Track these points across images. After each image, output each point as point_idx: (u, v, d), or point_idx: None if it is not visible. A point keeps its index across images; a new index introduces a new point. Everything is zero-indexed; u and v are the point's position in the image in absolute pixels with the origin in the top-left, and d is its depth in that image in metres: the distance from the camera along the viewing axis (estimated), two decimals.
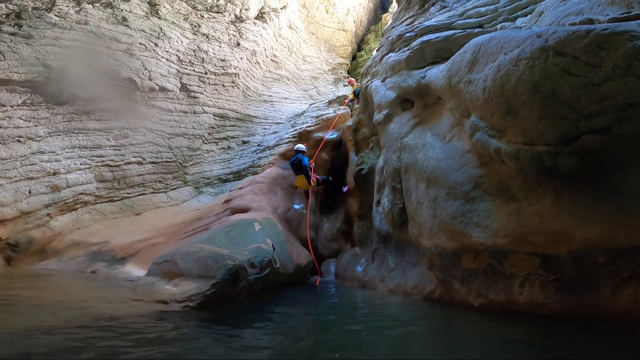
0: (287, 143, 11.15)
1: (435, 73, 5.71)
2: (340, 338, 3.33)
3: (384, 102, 7.50)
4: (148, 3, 10.20)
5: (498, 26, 5.88)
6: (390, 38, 8.70)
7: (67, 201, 7.82)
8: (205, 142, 11.49)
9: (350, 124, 10.23)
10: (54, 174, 7.70)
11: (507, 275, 3.78)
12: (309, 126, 11.35)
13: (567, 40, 2.76)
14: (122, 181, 8.98)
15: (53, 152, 7.77)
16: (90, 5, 8.85)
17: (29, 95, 7.70)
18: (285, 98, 15.03)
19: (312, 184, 8.92)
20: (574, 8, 4.07)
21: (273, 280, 6.00)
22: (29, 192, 7.21)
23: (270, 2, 14.58)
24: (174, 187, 10.18)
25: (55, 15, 8.17)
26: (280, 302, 5.40)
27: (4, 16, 7.53)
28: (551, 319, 3.37)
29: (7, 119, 7.20)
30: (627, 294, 2.96)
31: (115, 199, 8.79)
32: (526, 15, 5.81)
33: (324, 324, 4.15)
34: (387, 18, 19.81)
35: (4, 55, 7.18)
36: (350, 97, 12.44)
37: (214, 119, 11.85)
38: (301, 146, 9.45)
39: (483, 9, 6.54)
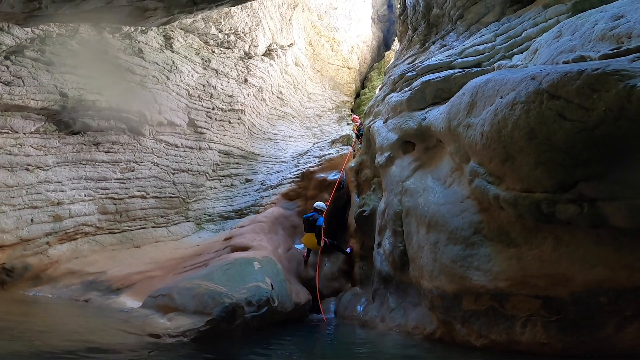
0: (289, 183, 11.30)
1: (435, 115, 5.87)
2: None
3: (386, 144, 7.66)
4: (164, 36, 10.64)
5: (495, 65, 6.04)
6: (392, 77, 8.98)
7: (67, 231, 7.83)
8: (209, 178, 11.65)
9: (353, 165, 10.40)
10: (58, 203, 7.78)
11: (508, 317, 3.72)
12: (312, 166, 11.56)
13: (560, 83, 2.83)
14: (125, 214, 9.02)
15: (59, 182, 7.90)
16: (110, 35, 9.17)
17: (43, 123, 7.86)
18: (289, 136, 15.37)
19: (321, 245, 8.71)
20: (566, 45, 4.23)
21: (271, 318, 5.99)
22: (31, 220, 7.25)
23: (278, 39, 15.29)
24: (175, 222, 10.20)
25: (76, 42, 8.38)
26: (277, 339, 5.31)
27: (28, 41, 7.67)
28: (554, 358, 3.29)
29: (19, 146, 7.35)
30: (631, 330, 2.92)
31: (116, 231, 8.78)
32: (522, 52, 5.99)
33: None
34: (390, 55, 20.56)
35: (23, 81, 7.33)
36: (354, 131, 12.69)
37: (219, 156, 12.09)
38: (321, 204, 9.31)
39: (481, 47, 6.73)
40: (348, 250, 9.11)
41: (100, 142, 8.94)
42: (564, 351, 3.28)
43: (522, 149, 3.14)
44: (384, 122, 8.26)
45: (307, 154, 12.73)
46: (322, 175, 11.13)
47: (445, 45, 7.82)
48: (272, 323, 6.15)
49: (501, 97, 3.41)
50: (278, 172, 12.77)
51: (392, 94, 8.19)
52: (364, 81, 21.61)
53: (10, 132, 7.27)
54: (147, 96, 9.82)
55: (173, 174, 10.56)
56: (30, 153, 7.53)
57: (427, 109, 6.49)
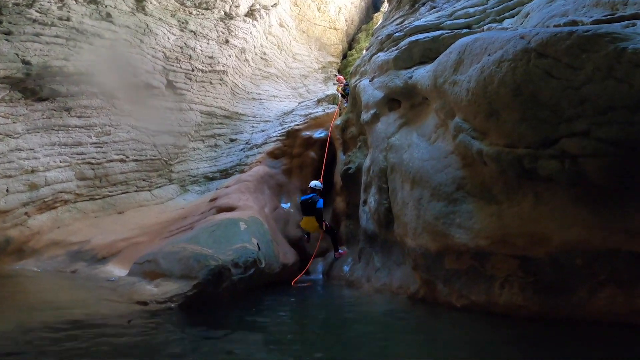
0: (275, 141, 11.08)
1: (422, 73, 5.70)
2: (322, 337, 3.31)
3: (372, 101, 7.50)
4: None
5: (485, 27, 5.87)
6: (379, 37, 8.68)
7: (46, 200, 7.61)
8: (192, 139, 11.33)
9: (339, 122, 10.22)
10: (32, 171, 7.48)
11: (487, 277, 3.80)
12: (298, 125, 11.30)
13: (549, 42, 2.75)
14: (104, 179, 8.77)
15: (31, 149, 7.55)
16: (74, 1, 8.60)
17: (8, 91, 7.45)
18: (274, 96, 14.92)
19: (322, 229, 8.14)
20: (559, 10, 4.09)
21: (258, 280, 5.93)
22: (7, 190, 6.99)
23: (261, 0, 14.45)
24: (159, 185, 10.01)
25: (36, 11, 7.92)
26: (264, 302, 5.34)
27: None
28: (530, 321, 3.40)
29: None
30: (604, 296, 2.99)
31: (97, 197, 8.58)
32: (513, 17, 5.82)
33: (306, 323, 4.13)
34: (379, 17, 19.82)
35: None
36: (339, 91, 12.39)
37: (201, 117, 11.69)
38: (317, 183, 8.54)
39: (472, 10, 6.55)
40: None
41: (71, 107, 8.52)
42: (539, 314, 3.37)
43: (507, 105, 3.06)
44: (370, 81, 8.08)
45: (293, 113, 12.41)
46: (308, 133, 10.92)
47: (435, 7, 7.54)
48: (259, 285, 6.14)
49: (489, 55, 3.31)
50: (263, 131, 12.49)
51: (379, 54, 7.96)
52: (351, 42, 20.84)
53: None
54: (119, 60, 9.32)
55: (153, 136, 10.19)
56: None
57: (413, 68, 6.33)
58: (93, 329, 3.02)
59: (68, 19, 8.44)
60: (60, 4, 8.36)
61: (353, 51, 20.11)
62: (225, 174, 10.90)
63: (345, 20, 20.21)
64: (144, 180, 9.63)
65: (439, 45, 6.09)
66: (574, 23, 3.51)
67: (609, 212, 2.78)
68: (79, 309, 3.60)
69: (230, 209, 7.99)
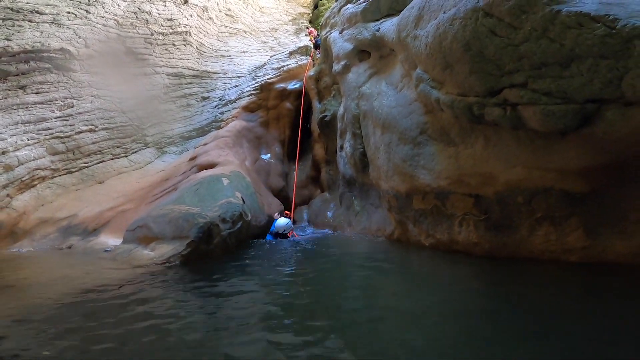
0: (249, 96, 10.96)
1: (388, 26, 5.79)
2: (312, 279, 3.81)
3: (342, 53, 7.60)
4: None
5: None
6: None
7: (23, 179, 7.57)
8: (162, 102, 11.03)
9: (312, 73, 10.22)
10: (3, 153, 7.37)
11: (448, 216, 4.32)
12: (270, 78, 11.13)
13: (494, 2, 2.94)
14: (77, 151, 8.68)
15: None
16: None
17: None
18: (244, 52, 14.26)
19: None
20: None
21: (247, 233, 6.18)
22: None
23: None
24: (135, 150, 9.94)
25: None
26: (255, 252, 5.71)
27: None
28: (484, 258, 3.91)
29: None
30: (541, 234, 3.49)
31: (74, 170, 8.55)
32: None
33: (296, 265, 4.60)
34: None
35: None
36: (311, 41, 12.11)
37: (168, 79, 11.29)
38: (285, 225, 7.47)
39: None
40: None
41: (26, 84, 8.16)
42: (490, 252, 3.88)
43: (459, 59, 3.30)
44: (339, 33, 8.13)
45: (265, 67, 12.05)
46: (282, 85, 10.82)
47: None
48: (248, 237, 6.40)
49: (444, 12, 3.50)
50: (236, 86, 12.21)
51: (348, 5, 7.95)
52: None
53: None
54: (66, 33, 8.80)
55: (120, 102, 9.88)
56: None
57: (381, 20, 6.42)
58: (110, 291, 3.38)
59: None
60: None
61: (324, 1, 19.02)
62: (201, 131, 10.85)
63: None
64: (118, 147, 9.53)
65: None
66: None
67: (545, 153, 3.19)
68: (89, 280, 3.91)
69: (210, 165, 8.12)
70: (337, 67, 7.90)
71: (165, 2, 11.26)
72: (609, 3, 2.50)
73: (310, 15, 18.46)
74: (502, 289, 3.00)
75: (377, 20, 6.57)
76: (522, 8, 2.79)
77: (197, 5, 12.29)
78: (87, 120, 9.04)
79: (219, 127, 10.48)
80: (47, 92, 8.47)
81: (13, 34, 7.96)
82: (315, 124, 9.73)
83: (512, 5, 2.82)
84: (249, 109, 10.67)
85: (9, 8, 7.99)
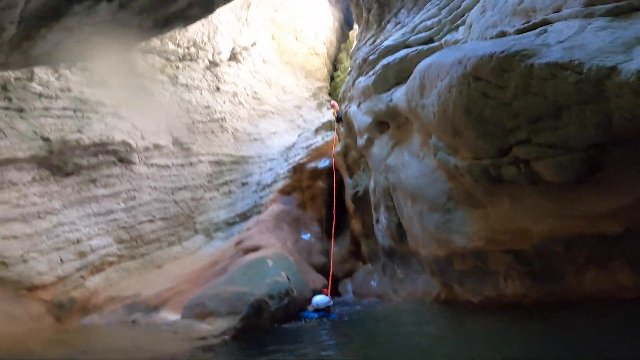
0: (283, 179, 11.61)
1: (399, 96, 6.18)
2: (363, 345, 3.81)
3: (363, 127, 8.03)
4: (124, 62, 10.43)
5: (442, 41, 6.17)
6: (357, 61, 9.19)
7: (94, 264, 8.47)
8: (207, 190, 12.01)
9: (339, 149, 10.77)
10: (78, 242, 8.32)
11: (492, 273, 4.23)
12: (302, 158, 11.83)
13: (478, 65, 3.14)
14: (139, 240, 9.59)
15: (72, 222, 8.37)
16: (68, 71, 9.02)
17: (36, 170, 8.14)
18: (273, 133, 15.25)
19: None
20: (490, 20, 4.46)
21: (293, 307, 6.79)
22: (61, 260, 7.85)
23: (240, 41, 14.97)
24: (186, 237, 10.71)
25: (37, 84, 8.38)
26: (303, 324, 6.24)
27: None
28: (535, 308, 3.78)
29: (24, 197, 7.73)
30: (590, 277, 3.38)
31: (137, 256, 9.38)
32: (465, 24, 5.95)
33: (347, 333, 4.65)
34: (354, 35, 19.52)
35: (4, 133, 7.55)
36: (334, 115, 12.77)
37: (211, 167, 12.36)
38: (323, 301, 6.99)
39: (429, 22, 6.77)
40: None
41: (95, 178, 9.23)
42: (540, 301, 3.78)
43: (464, 124, 3.53)
44: (357, 107, 8.61)
45: (295, 147, 12.99)
46: (313, 164, 11.45)
47: (399, 23, 7.98)
48: (296, 310, 6.91)
49: (441, 80, 3.78)
50: (271, 169, 13.02)
51: (360, 78, 8.50)
52: (335, 64, 21.16)
53: (10, 185, 7.63)
54: (126, 125, 9.97)
55: (172, 193, 10.96)
56: (36, 202, 7.92)
57: (391, 90, 6.77)
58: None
59: (69, 90, 8.88)
60: (57, 75, 8.77)
61: (338, 72, 20.26)
62: (244, 217, 11.50)
63: (324, 44, 20.55)
64: (172, 235, 10.37)
65: (408, 65, 6.28)
66: (503, 34, 3.90)
67: (570, 202, 3.21)
68: (158, 348, 4.43)
69: (255, 249, 8.64)
70: (360, 141, 8.33)
71: (201, 90, 12.57)
72: (571, 47, 2.62)
73: (328, 88, 19.58)
74: (567, 337, 2.84)
75: (388, 90, 6.87)
76: (502, 67, 2.95)
77: (228, 92, 13.68)
78: (147, 212, 10.02)
79: (259, 212, 11.10)
80: (113, 185, 9.52)
81: (83, 126, 8.92)
82: (349, 200, 10.00)
83: (493, 67, 3.00)
84: (285, 192, 11.25)
85: (78, 99, 9.03)
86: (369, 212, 8.68)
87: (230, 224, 11.47)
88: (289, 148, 13.35)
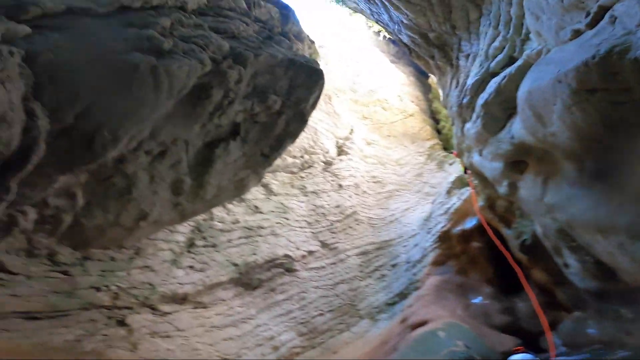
0: (432, 251, 11.56)
1: (518, 129, 5.71)
2: None
3: (497, 175, 7.48)
4: (262, 186, 12.29)
5: (525, 56, 5.60)
6: (453, 109, 8.90)
7: (285, 355, 9.55)
8: (361, 279, 12.71)
9: (482, 203, 10.21)
10: (272, 338, 9.73)
11: None
12: (444, 226, 11.68)
13: (580, 80, 3.05)
14: (315, 331, 10.54)
15: (265, 324, 9.92)
16: (232, 205, 11.17)
17: (235, 288, 10.15)
18: (405, 209, 15.27)
19: None
20: (551, 24, 4.14)
21: None
22: (262, 354, 9.22)
23: (339, 133, 15.83)
24: (353, 324, 11.25)
25: (218, 222, 10.62)
26: None
27: (193, 232, 10.03)
28: None
29: (230, 309, 9.73)
30: None
31: (315, 345, 10.27)
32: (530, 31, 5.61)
33: None
34: (433, 81, 19.06)
35: (209, 264, 9.79)
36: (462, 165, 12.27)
37: (359, 258, 13.12)
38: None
39: (497, 44, 6.35)
40: None
41: (274, 287, 10.98)
42: None
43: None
44: (479, 155, 8.12)
45: (432, 216, 12.93)
46: (459, 228, 11.17)
47: (468, 55, 7.70)
48: None
49: (554, 105, 3.70)
50: (416, 245, 13.02)
51: (466, 125, 8.07)
52: (433, 116, 20.25)
53: (220, 301, 9.83)
54: (283, 241, 11.84)
55: (332, 288, 12.03)
56: (239, 311, 9.85)
57: (507, 126, 6.32)
58: None
59: (238, 222, 11.06)
60: (226, 211, 11.06)
61: (441, 122, 19.16)
62: (402, 296, 11.53)
63: (412, 102, 19.85)
64: (341, 324, 11.06)
65: (506, 95, 5.90)
66: (577, 32, 3.65)
67: None
68: None
69: (422, 323, 8.51)
70: (502, 189, 7.66)
71: (327, 192, 13.78)
72: None
73: (439, 142, 18.44)
74: None
75: (504, 127, 6.39)
76: (607, 71, 2.91)
77: (350, 185, 14.60)
78: (316, 307, 11.14)
79: (417, 288, 11.08)
80: (287, 290, 11.07)
81: (255, 249, 10.88)
82: (517, 253, 9.06)
83: (599, 74, 2.98)
84: (438, 263, 11.03)
85: (245, 227, 11.10)
86: (548, 258, 7.62)
87: (390, 304, 11.64)
88: (427, 219, 13.38)
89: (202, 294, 9.77)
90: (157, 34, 3.99)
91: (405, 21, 9.14)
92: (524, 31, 5.72)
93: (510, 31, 5.98)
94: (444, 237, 11.47)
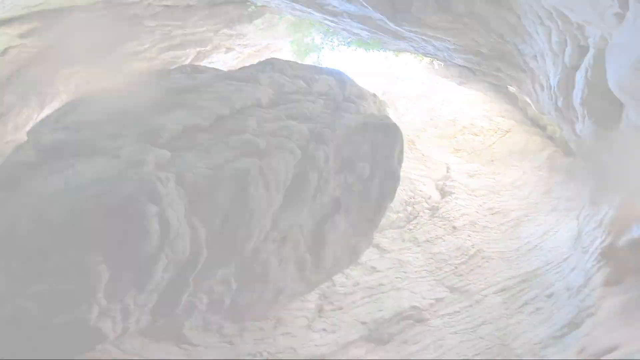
0: (598, 270, 9.74)
1: (635, 117, 5.11)
2: None
3: None
4: (374, 247, 12.56)
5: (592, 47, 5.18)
6: (552, 114, 8.60)
7: None
8: (508, 317, 11.38)
9: None
10: None
11: None
12: (603, 240, 9.85)
13: None
14: None
15: None
16: (349, 270, 11.75)
17: (365, 345, 10.43)
18: (543, 233, 13.86)
19: None
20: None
21: None
22: None
23: (434, 175, 15.71)
24: None
25: (339, 287, 11.35)
26: None
27: (318, 299, 10.85)
28: None
29: None
30: None
31: None
32: None
33: None
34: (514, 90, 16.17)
35: (338, 326, 10.40)
36: None
37: (499, 296, 12.27)
38: None
39: (557, 38, 5.87)
40: None
41: (406, 339, 10.91)
42: None
43: None
44: None
45: (583, 234, 11.05)
46: (625, 238, 9.20)
47: (534, 55, 7.36)
48: None
49: None
50: (573, 269, 11.20)
51: (577, 127, 7.68)
52: (537, 124, 17.72)
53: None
54: (405, 294, 11.99)
55: (474, 331, 11.15)
56: None
57: (623, 117, 5.73)
58: None
59: (358, 284, 11.60)
60: (345, 276, 11.55)
61: (548, 128, 16.85)
62: (573, 326, 9.71)
63: (503, 117, 18.51)
64: None
65: (596, 87, 5.54)
66: None
67: None
68: None
69: (609, 350, 7.25)
70: None
71: (442, 237, 13.38)
72: None
73: (558, 150, 16.46)
74: None
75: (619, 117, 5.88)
76: None
77: (465, 225, 14.15)
78: (458, 353, 10.41)
79: (591, 314, 9.40)
80: (420, 340, 10.74)
81: (380, 305, 11.03)
82: None
83: None
84: (612, 282, 9.24)
85: (366, 287, 11.40)
86: None
87: (558, 337, 9.99)
88: (577, 238, 11.64)
89: (337, 353, 10.03)
90: (253, 137, 5.05)
91: (450, 47, 8.99)
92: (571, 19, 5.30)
93: (559, 22, 5.56)
94: (609, 253, 9.64)
